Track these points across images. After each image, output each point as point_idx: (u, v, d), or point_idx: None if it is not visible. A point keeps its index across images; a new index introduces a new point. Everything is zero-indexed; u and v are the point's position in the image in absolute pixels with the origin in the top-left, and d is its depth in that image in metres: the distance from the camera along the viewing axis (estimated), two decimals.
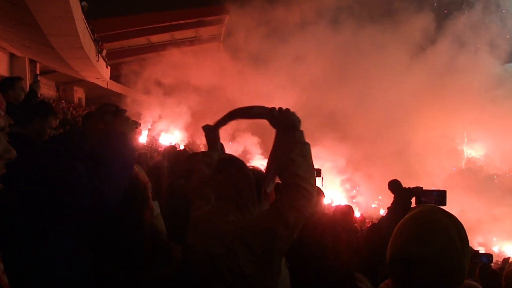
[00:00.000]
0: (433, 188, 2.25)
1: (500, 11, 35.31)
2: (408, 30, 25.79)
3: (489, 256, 3.61)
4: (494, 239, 24.15)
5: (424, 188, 2.24)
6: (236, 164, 1.75)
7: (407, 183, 2.38)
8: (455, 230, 1.17)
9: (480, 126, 28.34)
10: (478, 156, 30.24)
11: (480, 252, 3.38)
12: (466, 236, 1.19)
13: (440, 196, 2.18)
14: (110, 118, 1.80)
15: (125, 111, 1.82)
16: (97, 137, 1.73)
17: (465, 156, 30.81)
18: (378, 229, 2.39)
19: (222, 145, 2.02)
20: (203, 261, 1.58)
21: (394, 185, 2.33)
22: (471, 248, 2.68)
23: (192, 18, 24.07)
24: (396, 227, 1.25)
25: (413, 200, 2.23)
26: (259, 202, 1.72)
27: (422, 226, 1.18)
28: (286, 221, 1.50)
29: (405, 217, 1.25)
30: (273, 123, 1.67)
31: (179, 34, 24.56)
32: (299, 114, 1.66)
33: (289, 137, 1.64)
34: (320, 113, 20.67)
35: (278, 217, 1.52)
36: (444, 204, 2.12)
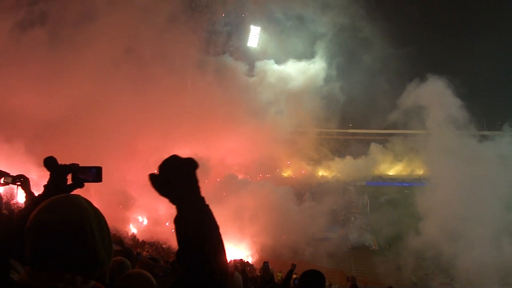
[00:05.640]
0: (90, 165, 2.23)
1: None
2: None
3: None
4: None
5: (80, 165, 2.19)
6: None
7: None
8: (92, 212, 1.25)
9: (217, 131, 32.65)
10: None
11: None
12: (106, 224, 1.27)
13: (97, 172, 2.19)
14: None
15: None
16: None
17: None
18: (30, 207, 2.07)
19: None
20: None
21: (50, 162, 2.21)
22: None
23: None
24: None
25: (70, 176, 2.18)
26: None
27: (58, 200, 1.25)
28: None
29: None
30: None
31: None
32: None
33: None
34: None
35: None
36: (100, 180, 2.17)
